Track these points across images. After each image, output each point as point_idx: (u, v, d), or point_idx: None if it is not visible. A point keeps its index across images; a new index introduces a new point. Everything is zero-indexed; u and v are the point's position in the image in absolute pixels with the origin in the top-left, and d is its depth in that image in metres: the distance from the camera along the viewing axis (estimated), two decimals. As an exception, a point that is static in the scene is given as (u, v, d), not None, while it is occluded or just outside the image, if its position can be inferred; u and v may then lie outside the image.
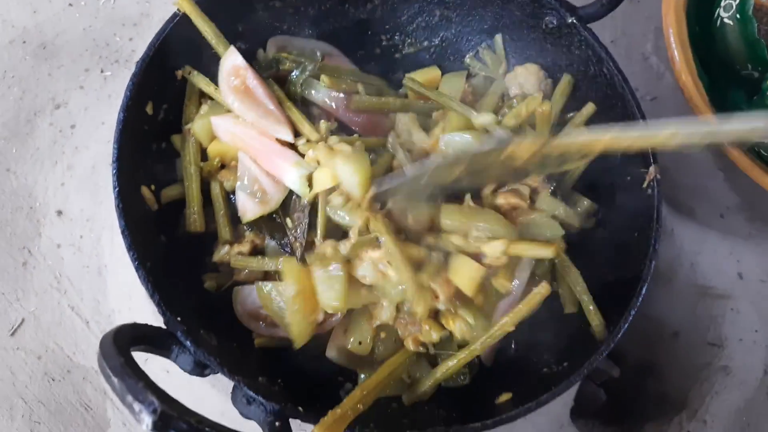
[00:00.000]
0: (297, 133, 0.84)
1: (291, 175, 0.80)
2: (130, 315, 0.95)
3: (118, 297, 0.96)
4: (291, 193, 0.82)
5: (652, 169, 0.80)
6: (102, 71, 1.11)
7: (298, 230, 0.81)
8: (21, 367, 0.94)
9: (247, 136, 0.83)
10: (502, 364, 0.84)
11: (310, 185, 0.79)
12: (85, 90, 1.09)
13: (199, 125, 0.85)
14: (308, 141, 0.83)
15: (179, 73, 0.84)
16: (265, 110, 0.84)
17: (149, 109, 0.80)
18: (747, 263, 1.11)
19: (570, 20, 0.86)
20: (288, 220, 0.82)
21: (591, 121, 0.91)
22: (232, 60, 0.84)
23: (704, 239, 1.11)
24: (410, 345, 0.80)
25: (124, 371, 0.49)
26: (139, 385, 0.48)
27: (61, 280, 0.98)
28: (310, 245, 0.81)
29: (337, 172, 0.77)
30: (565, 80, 0.91)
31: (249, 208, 0.83)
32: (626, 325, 0.75)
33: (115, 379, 0.49)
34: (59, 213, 1.02)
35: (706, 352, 1.06)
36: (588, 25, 0.88)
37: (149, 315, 0.93)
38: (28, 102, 1.08)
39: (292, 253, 0.81)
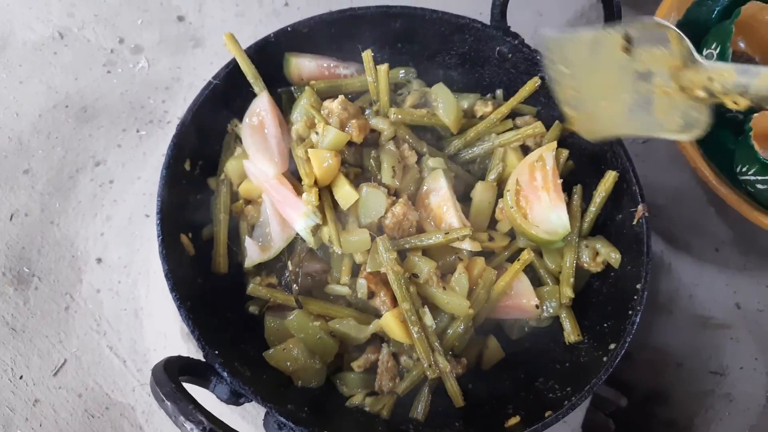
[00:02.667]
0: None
1: (298, 225, 0.89)
2: (165, 353, 1.01)
3: (153, 337, 1.04)
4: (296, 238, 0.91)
5: (640, 207, 0.88)
6: (138, 131, 1.22)
7: (296, 274, 0.90)
8: (63, 405, 1.01)
9: (266, 181, 0.92)
10: (510, 389, 0.90)
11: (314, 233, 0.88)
12: (123, 148, 1.20)
13: (231, 165, 0.94)
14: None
15: (229, 126, 0.96)
16: (265, 146, 0.92)
17: (187, 166, 0.89)
18: (744, 294, 1.16)
19: (561, 76, 0.96)
20: (290, 263, 0.91)
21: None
22: (259, 101, 0.94)
23: (701, 272, 1.17)
24: None
25: (176, 395, 0.56)
26: (189, 407, 0.55)
27: (101, 323, 1.06)
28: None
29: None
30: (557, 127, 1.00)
31: (252, 255, 0.91)
32: (623, 351, 0.81)
33: (168, 403, 0.56)
34: (99, 261, 1.10)
35: (709, 380, 1.11)
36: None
37: (183, 352, 0.99)
38: (71, 160, 1.19)
39: (291, 291, 0.90)
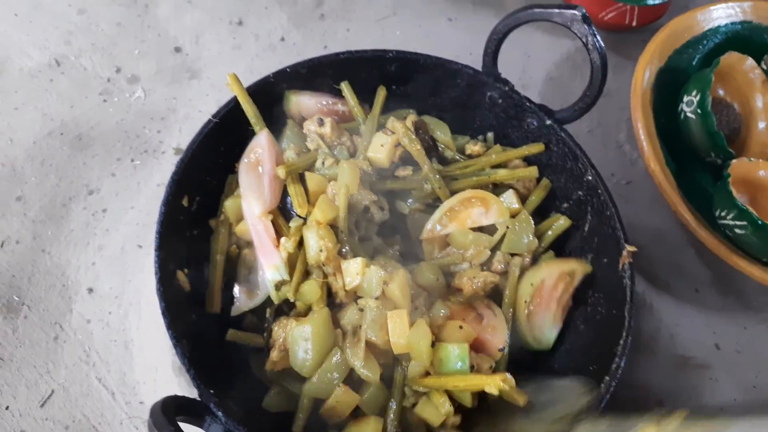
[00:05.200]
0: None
1: (267, 275, 0.89)
2: (155, 386, 1.02)
3: (143, 370, 1.04)
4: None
5: (625, 252, 0.91)
6: (132, 160, 1.23)
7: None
8: (48, 437, 1.00)
9: (251, 222, 0.92)
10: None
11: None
12: (117, 177, 1.21)
13: (230, 203, 0.95)
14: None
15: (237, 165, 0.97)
16: (257, 183, 0.93)
17: (185, 202, 0.91)
18: (722, 334, 1.18)
19: (548, 122, 1.00)
20: (268, 310, 0.91)
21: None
22: (259, 138, 0.96)
23: (681, 312, 1.19)
24: None
25: (174, 438, 0.57)
26: (187, 451, 0.56)
27: (90, 354, 1.05)
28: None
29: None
30: (543, 184, 1.04)
31: (239, 302, 0.93)
32: (608, 396, 0.83)
33: (166, 446, 0.57)
34: (90, 290, 1.11)
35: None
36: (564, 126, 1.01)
37: (174, 387, 1.00)
38: (64, 188, 1.19)
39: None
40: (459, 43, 1.37)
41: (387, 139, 0.97)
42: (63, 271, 1.12)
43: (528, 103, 1.02)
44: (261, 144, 0.96)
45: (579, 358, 0.93)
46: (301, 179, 0.94)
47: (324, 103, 1.05)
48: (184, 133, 1.27)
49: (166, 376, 1.02)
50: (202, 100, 1.31)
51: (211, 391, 0.74)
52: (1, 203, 1.16)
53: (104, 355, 1.05)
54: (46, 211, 1.17)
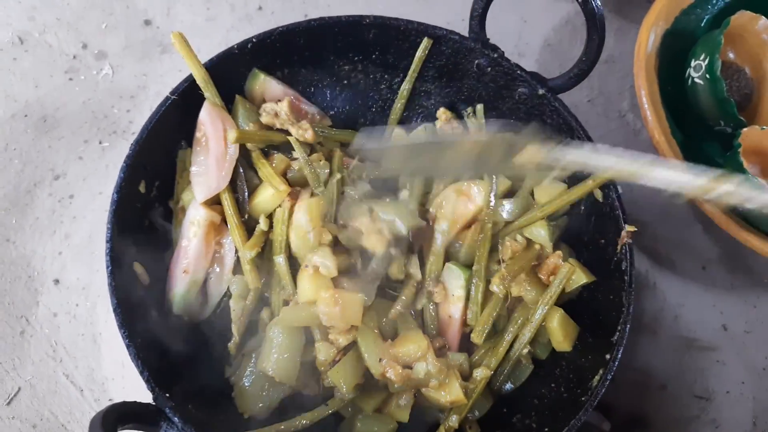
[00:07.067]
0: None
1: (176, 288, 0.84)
2: (124, 383, 0.97)
3: (112, 365, 0.99)
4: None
5: (624, 233, 0.84)
6: (100, 142, 1.16)
7: None
8: (16, 437, 0.96)
9: (187, 219, 0.85)
10: (489, 428, 0.86)
11: None
12: (84, 161, 1.14)
13: (187, 196, 0.88)
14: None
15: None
16: (203, 163, 0.85)
17: (142, 188, 0.84)
18: (730, 315, 1.13)
19: (541, 91, 0.91)
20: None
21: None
22: (201, 112, 0.87)
23: (687, 292, 1.13)
24: None
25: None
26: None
27: (57, 349, 1.00)
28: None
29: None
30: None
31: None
32: (603, 390, 0.76)
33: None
34: (56, 282, 1.05)
35: (694, 404, 1.08)
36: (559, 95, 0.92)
37: (143, 384, 0.94)
38: (29, 173, 1.13)
39: None
40: (450, 10, 1.27)
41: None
42: (28, 262, 1.06)
43: (519, 71, 0.93)
44: (202, 119, 0.87)
45: (573, 349, 0.86)
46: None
47: (291, 95, 0.96)
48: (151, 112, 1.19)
49: (133, 372, 0.94)
50: (175, 76, 1.22)
51: (167, 395, 0.68)
52: (-37, 191, 1.10)
53: (72, 350, 1.00)
54: (10, 198, 1.10)
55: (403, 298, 0.86)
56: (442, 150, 0.79)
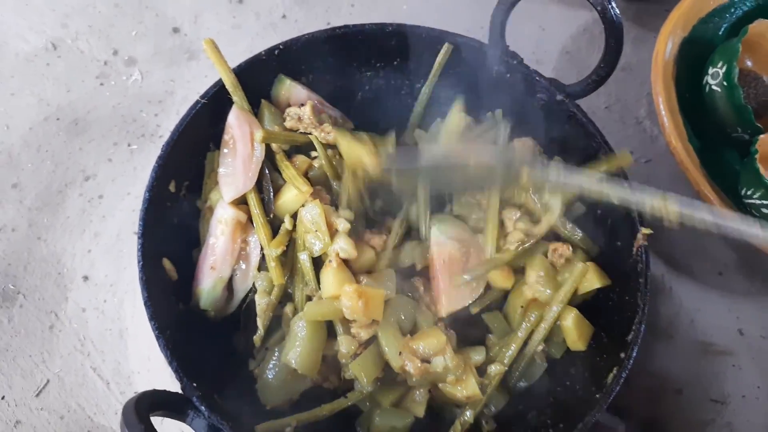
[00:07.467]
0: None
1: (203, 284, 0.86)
2: (149, 376, 1.00)
3: (138, 359, 1.02)
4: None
5: (639, 235, 0.85)
6: (129, 145, 1.20)
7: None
8: (44, 427, 0.99)
9: (216, 218, 0.88)
10: (504, 426, 0.87)
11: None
12: (113, 163, 1.18)
13: (215, 196, 0.90)
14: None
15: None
16: (231, 165, 0.88)
17: (172, 187, 0.87)
18: (747, 320, 1.13)
19: (559, 97, 0.93)
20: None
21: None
22: (229, 116, 0.90)
23: (703, 296, 1.14)
24: None
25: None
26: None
27: (85, 343, 1.03)
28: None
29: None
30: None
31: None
32: (618, 387, 0.78)
33: (135, 446, 0.53)
34: (85, 278, 1.08)
35: (710, 409, 1.08)
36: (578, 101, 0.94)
37: (167, 377, 0.98)
38: (60, 174, 1.17)
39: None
40: (470, 17, 1.30)
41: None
42: (59, 259, 1.10)
43: (537, 78, 0.95)
44: (230, 122, 0.90)
45: (588, 348, 0.88)
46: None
47: (316, 100, 0.98)
48: (182, 116, 1.23)
49: (159, 365, 0.99)
50: (201, 82, 1.27)
51: (194, 385, 0.70)
52: (-2, 190, 1.14)
53: (99, 345, 1.03)
54: (42, 198, 1.14)
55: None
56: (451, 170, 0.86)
